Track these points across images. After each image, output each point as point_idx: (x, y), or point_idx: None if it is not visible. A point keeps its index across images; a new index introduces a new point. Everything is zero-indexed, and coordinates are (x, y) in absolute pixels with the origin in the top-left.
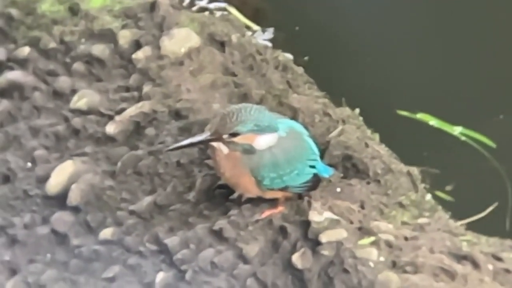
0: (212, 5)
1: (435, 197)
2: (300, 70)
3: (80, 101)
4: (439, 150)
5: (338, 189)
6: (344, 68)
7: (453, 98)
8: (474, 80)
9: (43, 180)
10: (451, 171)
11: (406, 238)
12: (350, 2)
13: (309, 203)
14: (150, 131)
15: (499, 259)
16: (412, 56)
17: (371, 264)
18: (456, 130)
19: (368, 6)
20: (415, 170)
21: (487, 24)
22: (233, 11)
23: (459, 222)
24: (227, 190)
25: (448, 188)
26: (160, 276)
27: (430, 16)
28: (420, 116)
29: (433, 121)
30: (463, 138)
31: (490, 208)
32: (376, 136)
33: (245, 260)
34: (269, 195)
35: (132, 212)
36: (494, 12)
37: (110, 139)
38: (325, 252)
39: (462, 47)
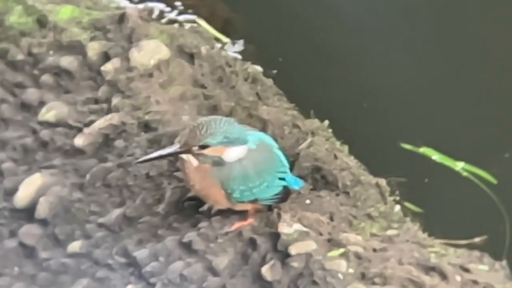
0: (181, 17)
1: (404, 208)
2: (269, 82)
3: (48, 113)
4: (417, 175)
5: (308, 201)
6: (313, 80)
7: (457, 135)
8: (480, 119)
9: (11, 193)
10: (446, 201)
11: (375, 250)
12: (320, 14)
13: (279, 215)
14: (119, 143)
15: (467, 270)
16: (388, 68)
17: (340, 276)
18: (459, 166)
19: (339, 17)
20: (383, 182)
21: (496, 59)
22: (203, 23)
23: (453, 241)
24: (197, 202)
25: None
26: None
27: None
28: (423, 150)
29: (435, 156)
30: (465, 173)
31: (478, 238)
32: (345, 148)
33: (214, 272)
34: (239, 207)
35: (101, 225)
36: (502, 46)
37: (79, 152)
38: (295, 264)
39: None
